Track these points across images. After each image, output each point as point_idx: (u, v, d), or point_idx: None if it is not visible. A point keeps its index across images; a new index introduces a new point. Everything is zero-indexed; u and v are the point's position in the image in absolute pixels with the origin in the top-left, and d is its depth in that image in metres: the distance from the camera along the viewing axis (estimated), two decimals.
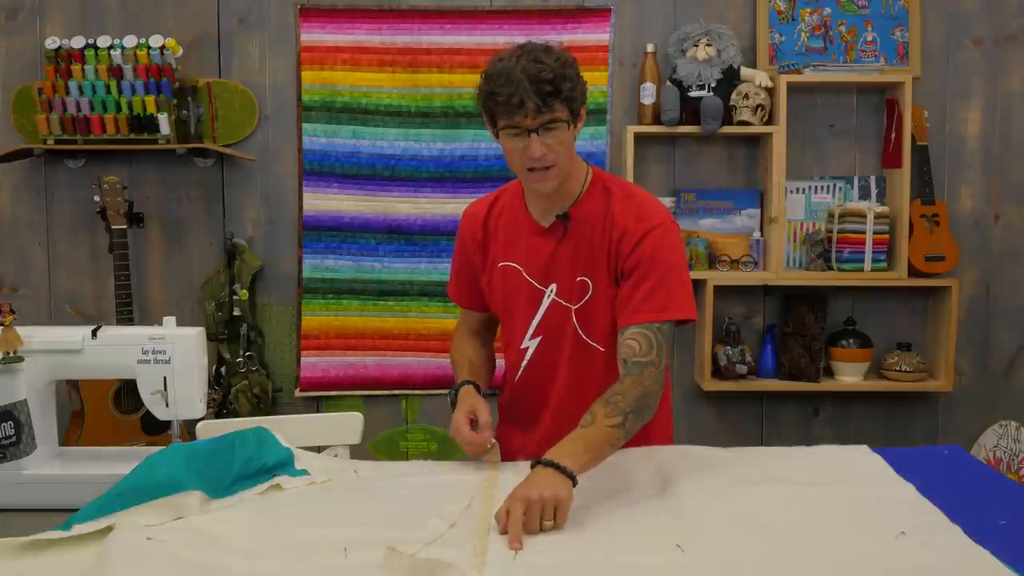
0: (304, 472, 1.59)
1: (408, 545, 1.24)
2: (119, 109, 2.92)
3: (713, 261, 3.09)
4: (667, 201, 3.14)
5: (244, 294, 3.06)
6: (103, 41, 2.96)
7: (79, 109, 2.91)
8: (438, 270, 3.14)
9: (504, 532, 1.29)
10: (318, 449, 1.80)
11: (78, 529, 1.30)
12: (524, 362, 1.76)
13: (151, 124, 2.92)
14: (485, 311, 1.86)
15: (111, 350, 1.83)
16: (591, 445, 1.44)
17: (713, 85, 2.95)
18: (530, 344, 1.74)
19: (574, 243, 1.67)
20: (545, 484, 1.32)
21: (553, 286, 1.69)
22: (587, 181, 1.70)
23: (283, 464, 1.59)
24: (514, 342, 1.78)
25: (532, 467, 1.38)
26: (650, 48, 3.04)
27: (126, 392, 2.83)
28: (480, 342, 1.90)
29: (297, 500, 1.49)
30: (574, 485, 1.35)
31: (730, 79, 2.99)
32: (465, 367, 1.80)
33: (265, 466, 1.56)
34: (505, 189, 1.81)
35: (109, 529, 1.30)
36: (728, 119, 2.99)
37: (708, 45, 2.99)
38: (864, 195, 3.14)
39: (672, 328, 1.60)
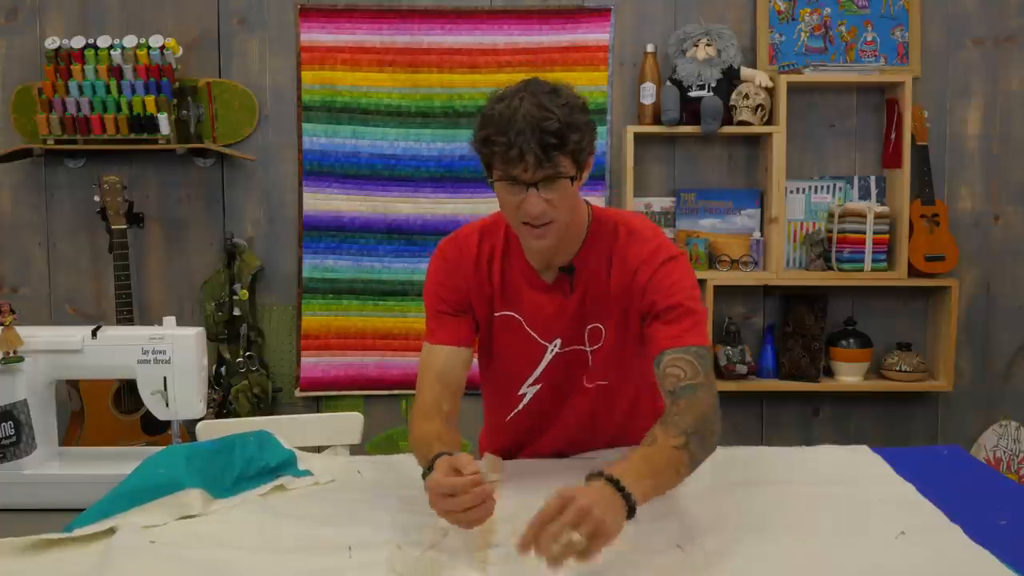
0: (307, 473, 1.60)
1: (412, 545, 1.24)
2: (119, 109, 2.92)
3: (713, 261, 3.09)
4: (667, 201, 3.15)
5: (244, 294, 3.06)
6: (103, 41, 2.96)
7: (79, 109, 2.91)
8: None
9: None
10: (318, 449, 1.80)
11: (80, 532, 1.30)
12: (520, 406, 1.67)
13: (151, 124, 2.92)
14: (471, 345, 1.62)
15: (111, 350, 1.83)
16: (656, 469, 1.24)
17: (713, 85, 2.95)
18: (528, 391, 1.64)
19: (581, 293, 1.54)
20: (603, 502, 1.12)
21: (557, 341, 1.58)
22: (588, 224, 1.55)
23: (286, 464, 1.60)
24: (508, 387, 1.67)
25: (588, 479, 1.18)
26: (650, 48, 3.04)
27: (126, 392, 2.83)
28: (450, 425, 1.53)
29: (301, 500, 1.49)
30: (630, 513, 1.15)
31: (730, 79, 2.99)
32: (435, 443, 1.40)
33: (267, 467, 1.57)
34: (488, 225, 1.62)
35: (111, 531, 1.31)
36: (728, 119, 2.99)
37: (708, 45, 2.99)
38: (864, 195, 3.14)
39: (709, 354, 1.45)
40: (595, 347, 1.58)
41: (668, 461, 1.26)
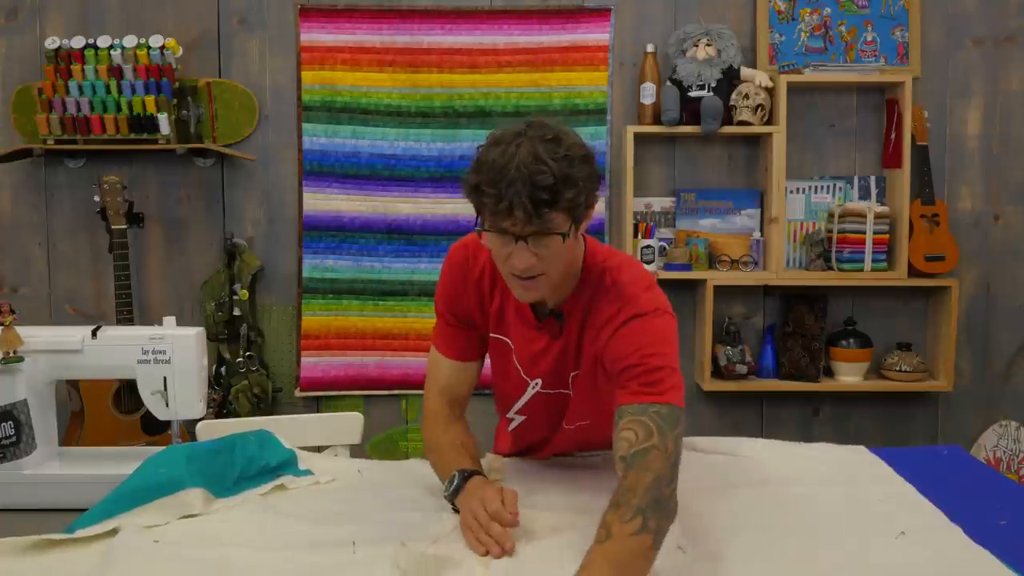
0: (308, 472, 1.60)
1: (417, 542, 1.24)
2: (119, 109, 2.92)
3: (713, 261, 3.09)
4: (667, 201, 3.15)
5: (244, 294, 3.06)
6: (103, 41, 2.96)
7: (79, 109, 2.91)
8: (438, 270, 3.13)
9: None
10: (318, 449, 1.80)
11: (82, 533, 1.30)
12: (511, 427, 1.68)
13: (151, 124, 2.92)
14: (477, 358, 1.62)
15: (111, 350, 1.83)
16: (621, 566, 1.15)
17: (713, 85, 2.95)
18: (515, 418, 1.65)
19: (567, 339, 1.48)
20: None
21: (538, 381, 1.55)
22: (582, 266, 1.47)
23: (287, 464, 1.60)
24: (502, 405, 1.68)
25: None
26: (650, 48, 3.04)
27: (126, 392, 2.83)
28: (463, 427, 1.57)
29: (303, 499, 1.49)
30: None
31: (730, 79, 2.99)
32: (465, 455, 1.47)
33: (268, 466, 1.57)
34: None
35: (113, 531, 1.31)
36: (728, 119, 2.99)
37: (708, 45, 2.99)
38: (864, 195, 3.14)
39: (676, 413, 1.32)
40: (576, 393, 1.54)
41: (631, 552, 1.17)
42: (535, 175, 1.25)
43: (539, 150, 1.26)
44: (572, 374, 1.52)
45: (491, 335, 1.57)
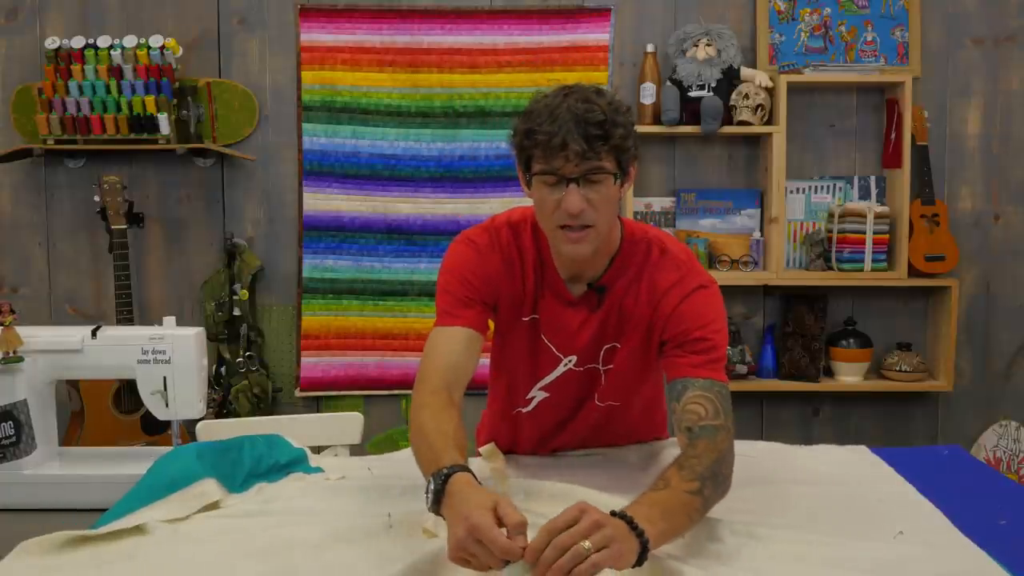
0: (319, 469, 1.60)
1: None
2: (119, 109, 2.92)
3: (713, 261, 3.09)
4: (667, 201, 3.15)
5: (244, 294, 3.06)
6: (103, 41, 2.96)
7: (79, 109, 2.91)
8: (438, 270, 3.13)
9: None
10: (318, 450, 1.80)
11: (105, 529, 1.31)
12: (527, 408, 1.63)
13: (151, 124, 2.92)
14: (486, 336, 1.53)
15: (111, 350, 1.84)
16: (668, 512, 1.18)
17: (713, 85, 2.95)
18: (537, 395, 1.60)
19: (606, 312, 1.50)
20: (614, 530, 1.07)
21: (573, 358, 1.53)
22: (620, 240, 1.50)
23: (297, 462, 1.60)
24: (517, 386, 1.62)
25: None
26: (650, 48, 3.04)
27: (126, 392, 2.83)
28: (457, 414, 1.37)
29: (315, 494, 1.49)
30: (642, 555, 1.09)
31: (730, 79, 2.99)
32: (451, 445, 1.26)
33: (278, 464, 1.57)
34: (517, 224, 1.54)
35: (138, 528, 1.32)
36: (728, 119, 2.99)
37: (708, 45, 2.99)
38: (864, 195, 3.14)
39: (729, 392, 1.41)
40: (608, 367, 1.54)
41: (681, 506, 1.21)
42: (586, 114, 1.31)
43: (588, 95, 1.34)
44: (607, 347, 1.51)
45: (523, 319, 1.53)
